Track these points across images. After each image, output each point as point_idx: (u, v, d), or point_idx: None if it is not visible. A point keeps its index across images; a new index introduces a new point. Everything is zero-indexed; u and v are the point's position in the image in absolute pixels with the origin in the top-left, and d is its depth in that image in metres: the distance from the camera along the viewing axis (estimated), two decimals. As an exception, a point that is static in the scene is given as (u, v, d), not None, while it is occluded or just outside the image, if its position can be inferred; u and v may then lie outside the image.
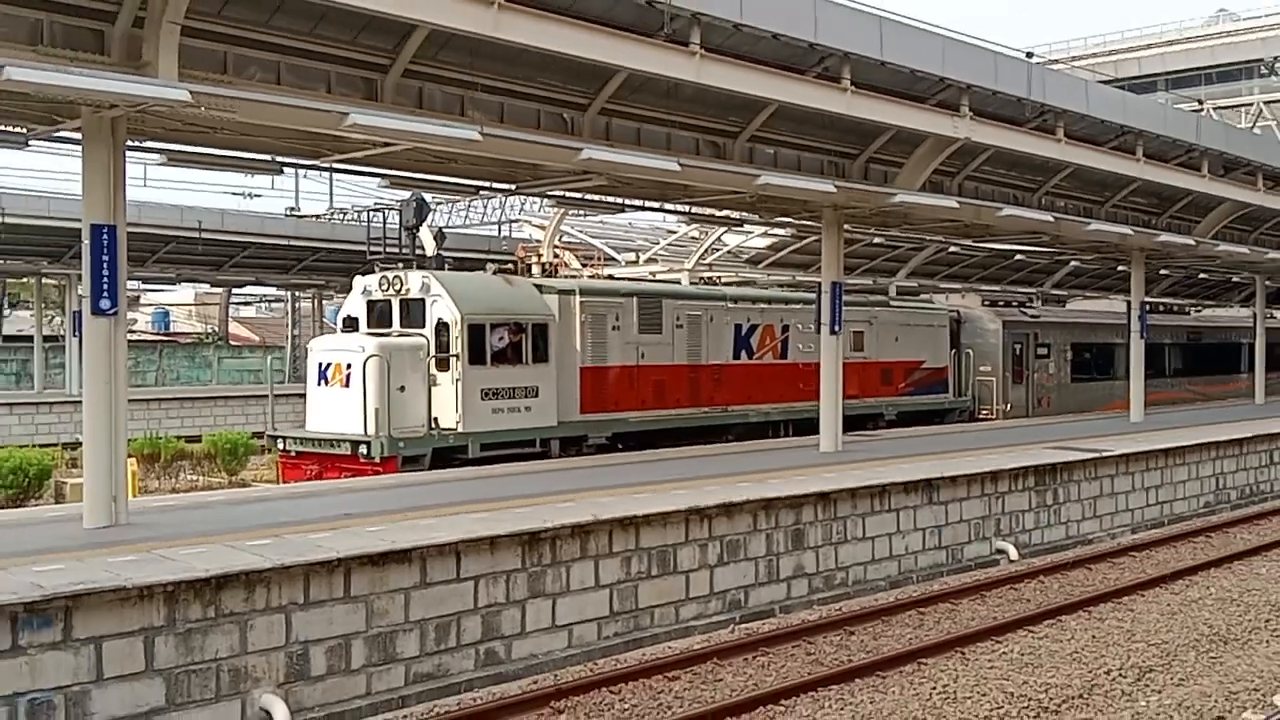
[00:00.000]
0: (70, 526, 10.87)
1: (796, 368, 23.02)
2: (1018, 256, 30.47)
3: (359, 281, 18.70)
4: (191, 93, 9.95)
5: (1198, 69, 60.82)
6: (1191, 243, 24.89)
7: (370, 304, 18.29)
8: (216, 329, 59.38)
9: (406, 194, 19.12)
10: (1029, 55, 18.69)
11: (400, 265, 18.52)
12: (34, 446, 25.24)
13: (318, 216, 43.91)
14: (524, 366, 17.87)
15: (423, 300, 17.57)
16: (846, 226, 19.69)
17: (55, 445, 28.02)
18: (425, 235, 19.81)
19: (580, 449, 18.79)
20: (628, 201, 18.95)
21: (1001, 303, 32.41)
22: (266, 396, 19.83)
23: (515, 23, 11.37)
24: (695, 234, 29.97)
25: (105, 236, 10.64)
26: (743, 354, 22.24)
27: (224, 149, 13.28)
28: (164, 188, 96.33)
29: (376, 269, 18.54)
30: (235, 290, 52.59)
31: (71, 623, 8.12)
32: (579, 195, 18.11)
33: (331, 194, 47.33)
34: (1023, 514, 16.77)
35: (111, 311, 10.73)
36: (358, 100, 12.11)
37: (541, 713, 9.66)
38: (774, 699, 9.95)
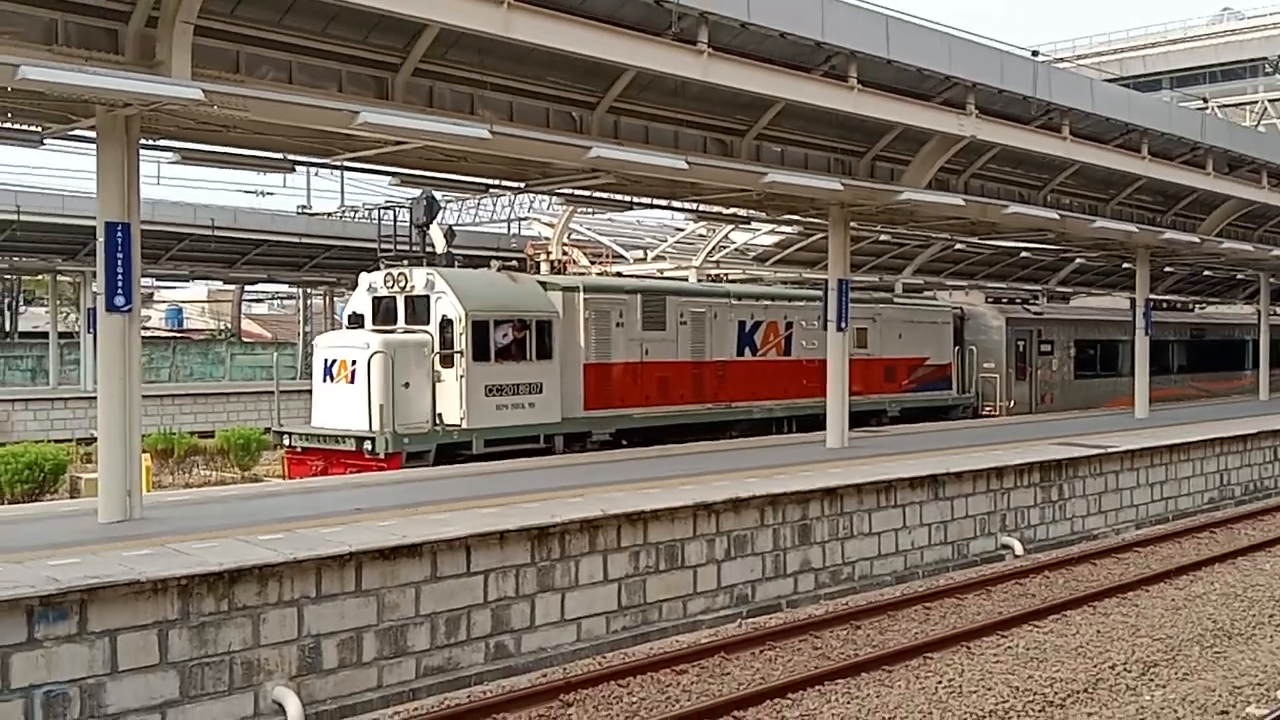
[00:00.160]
0: (85, 521, 10.96)
1: (800, 364, 23.07)
2: (1023, 254, 30.45)
3: (365, 278, 18.76)
4: (205, 91, 10.03)
5: (1202, 67, 60.73)
6: (1196, 240, 24.91)
7: (376, 300, 18.35)
8: (229, 326, 59.65)
9: (417, 192, 19.19)
10: (1035, 54, 18.74)
11: (405, 262, 18.58)
12: (49, 442, 25.47)
13: (329, 214, 44.15)
14: (528, 363, 17.93)
15: (427, 297, 17.64)
16: (853, 224, 19.75)
17: (70, 440, 28.24)
18: (435, 233, 19.91)
19: (584, 445, 18.83)
20: (636, 199, 18.98)
21: (1005, 299, 32.43)
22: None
23: (525, 22, 11.44)
24: (703, 231, 29.98)
25: (119, 234, 10.75)
26: (746, 351, 22.28)
27: (237, 147, 13.33)
28: (177, 186, 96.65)
29: (382, 266, 18.63)
30: (248, 287, 52.75)
31: (86, 616, 8.20)
32: (587, 193, 18.19)
33: (343, 192, 47.71)
34: (1028, 510, 16.85)
35: (126, 308, 10.84)
36: (369, 99, 12.19)
37: (550, 706, 9.74)
38: (781, 693, 10.00)
